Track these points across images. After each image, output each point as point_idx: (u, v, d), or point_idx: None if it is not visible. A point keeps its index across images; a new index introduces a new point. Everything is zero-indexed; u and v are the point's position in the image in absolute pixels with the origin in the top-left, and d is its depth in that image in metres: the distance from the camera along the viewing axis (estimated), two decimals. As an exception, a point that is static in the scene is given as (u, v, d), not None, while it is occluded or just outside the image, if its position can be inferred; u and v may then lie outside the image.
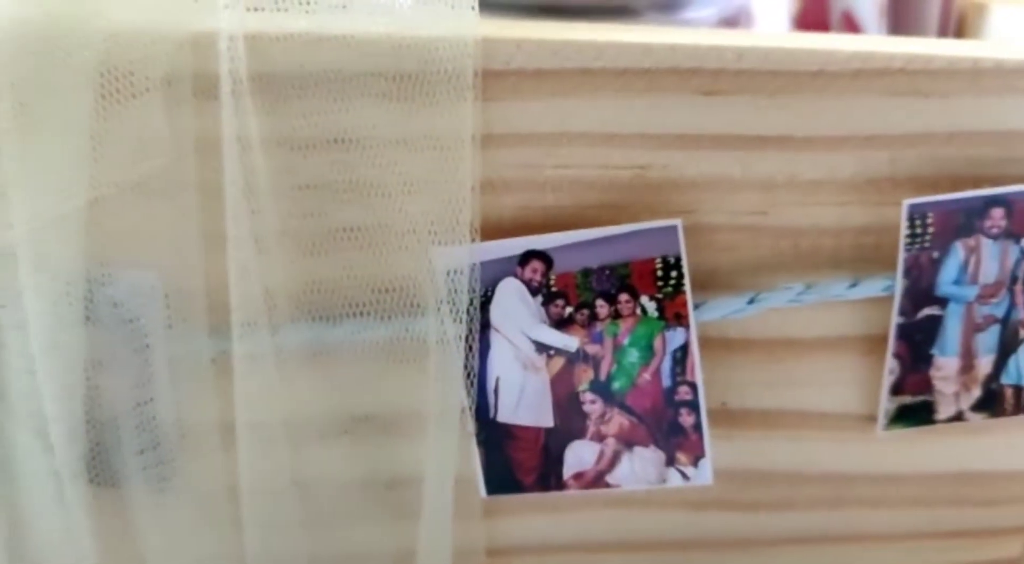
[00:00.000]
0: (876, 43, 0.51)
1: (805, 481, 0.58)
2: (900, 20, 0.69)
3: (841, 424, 0.57)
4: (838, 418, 0.57)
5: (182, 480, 0.56)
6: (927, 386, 0.55)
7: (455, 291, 0.51)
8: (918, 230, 0.52)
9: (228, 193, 0.50)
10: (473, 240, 0.51)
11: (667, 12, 0.71)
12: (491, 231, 0.51)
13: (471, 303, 0.51)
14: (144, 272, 0.53)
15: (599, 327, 0.52)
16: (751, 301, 0.52)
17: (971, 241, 0.52)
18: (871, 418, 0.56)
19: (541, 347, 0.52)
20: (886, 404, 0.55)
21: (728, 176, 0.52)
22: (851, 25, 0.75)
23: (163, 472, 0.56)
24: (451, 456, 0.54)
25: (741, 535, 0.59)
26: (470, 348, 0.52)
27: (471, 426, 0.54)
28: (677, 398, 0.53)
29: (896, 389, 0.55)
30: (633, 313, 0.52)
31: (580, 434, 0.54)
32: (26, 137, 0.49)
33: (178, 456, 0.55)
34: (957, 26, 0.70)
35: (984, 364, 0.55)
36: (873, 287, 0.53)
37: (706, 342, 0.53)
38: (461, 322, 0.52)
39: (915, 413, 0.56)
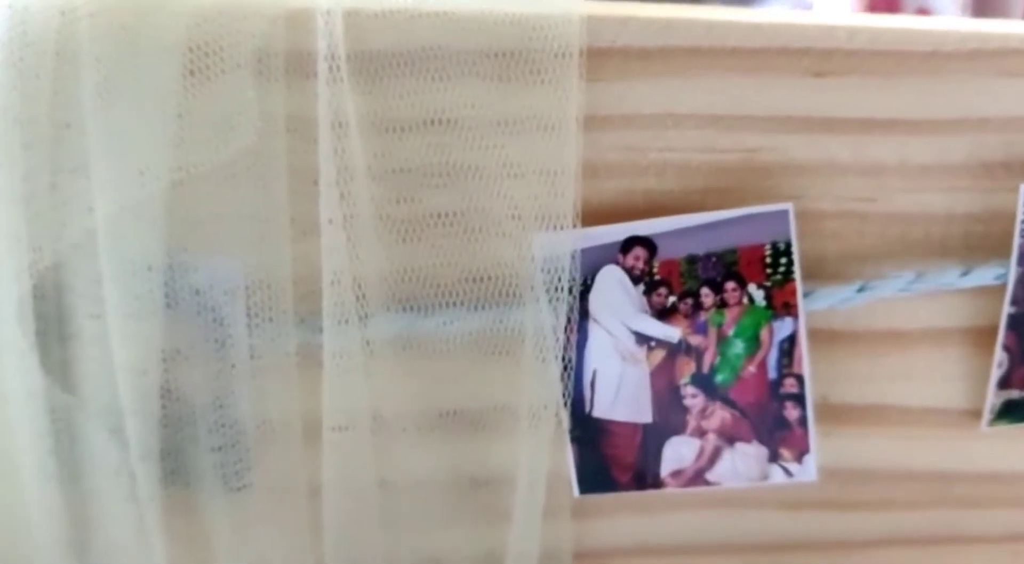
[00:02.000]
0: (991, 24, 0.50)
1: (906, 479, 0.56)
2: (985, 10, 0.68)
3: (944, 420, 0.55)
4: (941, 414, 0.55)
5: (259, 480, 0.54)
6: (1036, 380, 0.53)
7: (555, 279, 0.50)
8: (1034, 216, 0.50)
9: (322, 176, 0.48)
10: (574, 226, 0.49)
11: (743, 3, 0.70)
12: (591, 217, 0.50)
13: (571, 292, 0.49)
14: (227, 259, 0.51)
15: (703, 317, 0.50)
16: (860, 289, 0.51)
17: (1087, 228, 0.51)
18: (975, 414, 0.55)
19: (642, 338, 0.51)
20: (992, 399, 0.54)
21: (837, 161, 0.51)
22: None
23: (240, 470, 0.54)
24: (544, 454, 0.52)
25: (839, 536, 0.57)
26: (568, 340, 0.50)
27: (566, 422, 0.52)
28: (783, 391, 0.51)
29: (1004, 383, 0.53)
30: (740, 302, 0.50)
31: (680, 430, 0.52)
32: (110, 114, 0.47)
33: (256, 454, 0.53)
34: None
35: (1095, 357, 0.53)
36: (985, 275, 0.51)
37: (809, 334, 0.51)
38: (560, 312, 0.50)
39: (1022, 408, 0.54)
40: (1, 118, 0.47)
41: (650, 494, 0.54)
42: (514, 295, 0.51)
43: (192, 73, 0.47)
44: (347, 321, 0.50)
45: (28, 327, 0.50)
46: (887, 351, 0.54)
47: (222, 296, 0.51)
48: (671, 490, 0.53)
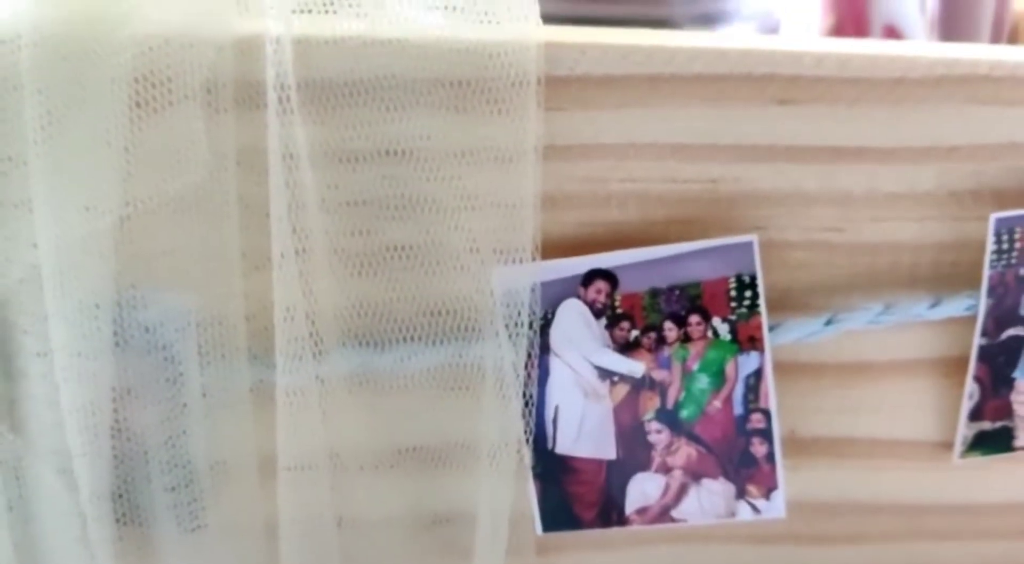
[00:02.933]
0: (959, 50, 0.49)
1: (876, 512, 0.56)
2: (952, 31, 0.67)
3: (915, 452, 0.55)
4: (912, 446, 0.54)
5: (215, 519, 0.53)
6: (1007, 411, 0.53)
7: (515, 313, 0.49)
8: (1004, 246, 0.49)
9: (273, 210, 0.47)
10: (534, 259, 0.48)
11: (706, 26, 0.69)
12: (551, 249, 0.49)
13: (531, 326, 0.48)
14: (177, 295, 0.50)
15: (667, 351, 0.49)
16: (828, 322, 0.50)
17: (1057, 258, 0.50)
18: (947, 445, 0.54)
19: (604, 373, 0.50)
20: (964, 430, 0.53)
21: (803, 190, 0.50)
22: (895, 38, 0.73)
23: (194, 511, 0.53)
24: (507, 491, 0.51)
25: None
26: (529, 375, 0.49)
27: (528, 458, 0.51)
28: (749, 426, 0.50)
29: (975, 415, 0.53)
30: (704, 336, 0.49)
31: (644, 466, 0.51)
32: (55, 148, 0.46)
33: (211, 493, 0.52)
34: (1011, 36, 0.68)
35: (1067, 388, 0.52)
36: (955, 307, 0.50)
37: (775, 367, 0.51)
38: (520, 347, 0.49)
39: (994, 440, 0.53)
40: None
41: (615, 530, 0.53)
42: (473, 330, 0.50)
43: (139, 105, 0.46)
44: (301, 357, 0.49)
45: (-30, 366, 0.49)
46: (856, 383, 0.53)
47: (173, 333, 0.50)
48: (636, 527, 0.52)
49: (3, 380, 0.50)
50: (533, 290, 0.49)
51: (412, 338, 0.50)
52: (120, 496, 0.52)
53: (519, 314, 0.49)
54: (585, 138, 0.48)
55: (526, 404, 0.50)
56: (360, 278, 0.49)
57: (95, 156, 0.46)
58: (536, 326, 0.49)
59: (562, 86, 0.47)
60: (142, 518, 0.52)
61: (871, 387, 0.53)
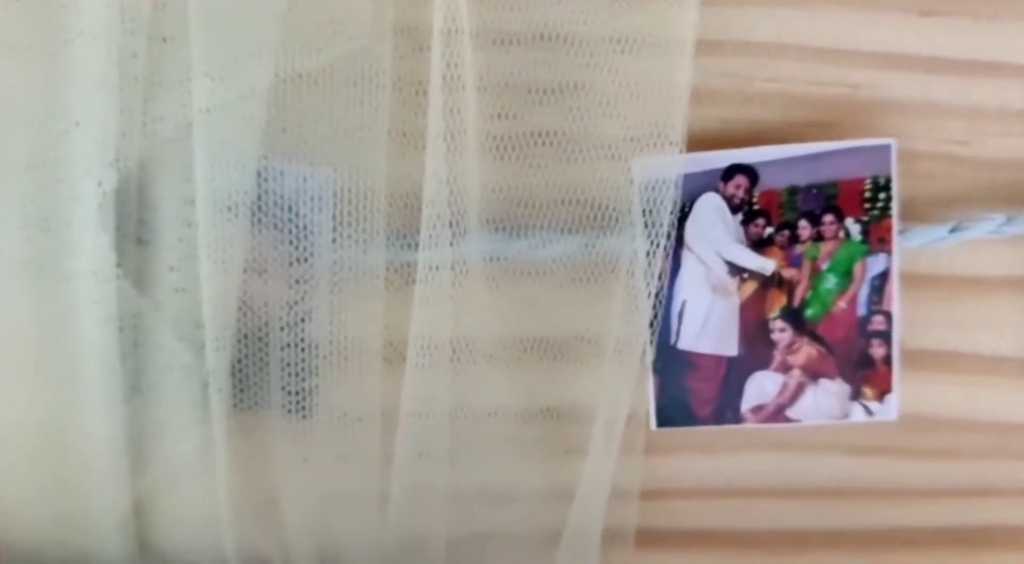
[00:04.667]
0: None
1: (974, 429, 0.58)
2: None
3: (1017, 370, 0.57)
4: (1016, 364, 0.56)
5: (331, 404, 0.53)
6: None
7: (655, 204, 0.50)
8: (1125, 166, 0.52)
9: (432, 86, 0.48)
10: (681, 151, 0.49)
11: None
12: (691, 143, 0.51)
13: (670, 219, 0.50)
14: (317, 168, 0.50)
15: (798, 250, 0.51)
16: (953, 230, 0.52)
17: None
18: (1048, 364, 0.56)
19: (735, 269, 0.52)
20: (1066, 350, 0.56)
21: (935, 101, 0.52)
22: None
23: (309, 394, 0.53)
24: (628, 387, 0.53)
25: (902, 485, 0.58)
26: (663, 268, 0.51)
27: (650, 354, 0.52)
28: (870, 328, 0.52)
29: (1078, 334, 0.55)
30: (836, 236, 0.51)
31: (764, 364, 0.53)
32: (214, 6, 0.46)
33: (329, 377, 0.52)
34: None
35: None
36: (1073, 224, 0.53)
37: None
38: (657, 239, 0.50)
39: (1091, 361, 0.56)
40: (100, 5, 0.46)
41: (718, 432, 0.54)
42: (609, 220, 0.51)
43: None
44: (441, 239, 0.50)
45: (108, 225, 0.49)
46: (967, 297, 0.56)
47: (308, 205, 0.51)
48: (740, 428, 0.54)
49: (133, 242, 0.51)
50: (676, 182, 0.50)
51: (547, 226, 0.52)
52: (235, 375, 0.52)
53: (659, 205, 0.50)
54: (735, 34, 0.50)
55: (656, 298, 0.52)
56: (502, 162, 0.51)
57: (253, 17, 0.47)
58: (674, 219, 0.51)
59: (718, -19, 0.49)
60: (255, 399, 0.53)
61: (982, 302, 0.56)
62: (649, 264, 0.51)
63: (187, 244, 0.50)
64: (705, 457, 0.57)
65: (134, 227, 0.51)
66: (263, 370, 0.53)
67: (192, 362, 0.52)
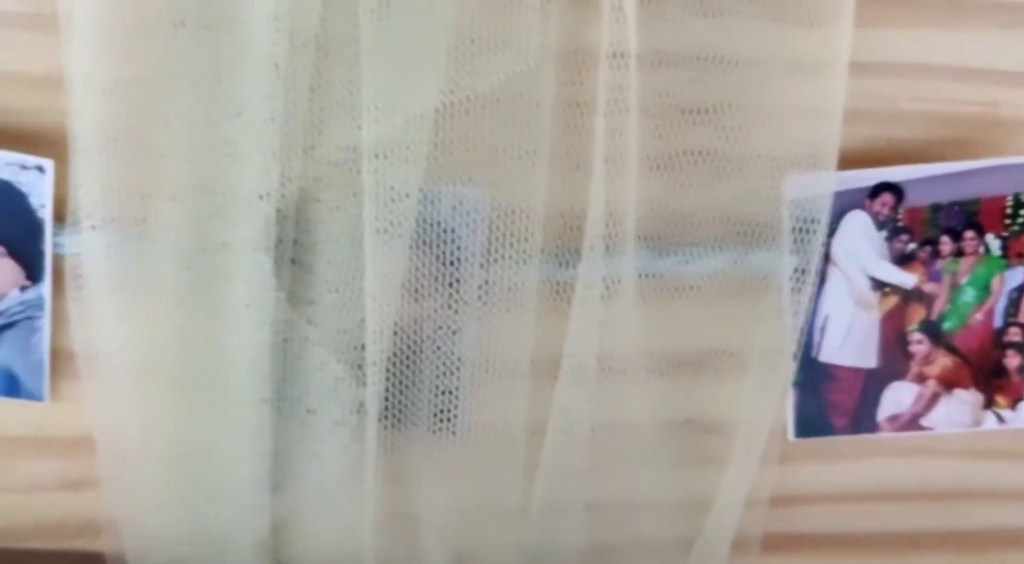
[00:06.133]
0: None
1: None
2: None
3: None
4: None
5: (477, 419, 0.54)
6: None
7: (807, 222, 0.52)
8: None
9: (600, 108, 0.49)
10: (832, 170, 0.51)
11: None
12: (836, 161, 0.52)
13: (819, 236, 0.52)
14: (474, 189, 0.51)
15: (939, 265, 0.54)
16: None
17: None
18: None
19: (877, 284, 0.54)
20: None
21: (1075, 120, 0.54)
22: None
23: (455, 410, 0.54)
24: (772, 400, 0.55)
25: (1013, 487, 0.61)
26: (810, 284, 0.53)
27: (793, 367, 0.54)
28: (1005, 339, 0.55)
29: None
30: (976, 251, 0.54)
31: (901, 375, 0.55)
32: (386, 27, 0.47)
33: (476, 394, 0.54)
34: None
35: None
36: None
37: (1019, 286, 0.55)
38: (807, 255, 0.52)
39: None
40: (269, 26, 0.47)
41: (845, 440, 0.57)
42: (759, 236, 0.53)
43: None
44: (600, 257, 0.51)
45: (269, 247, 0.50)
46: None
47: (463, 226, 0.52)
48: (864, 438, 0.56)
49: (288, 263, 0.51)
50: (827, 200, 0.52)
51: (697, 243, 0.53)
52: (386, 392, 0.53)
53: (811, 223, 0.52)
54: (881, 56, 0.52)
55: (803, 313, 0.53)
56: (655, 180, 0.52)
57: (425, 40, 0.48)
58: (823, 236, 0.52)
59: (866, 4, 0.51)
60: (402, 416, 0.54)
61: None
62: (798, 280, 0.53)
63: (347, 266, 0.51)
64: (828, 464, 0.60)
65: (289, 248, 0.51)
66: (411, 388, 0.54)
67: (347, 381, 0.53)
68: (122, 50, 0.49)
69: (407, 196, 0.50)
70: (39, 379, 0.55)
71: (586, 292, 0.52)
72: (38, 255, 0.53)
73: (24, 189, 0.51)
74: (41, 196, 0.51)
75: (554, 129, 0.51)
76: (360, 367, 0.53)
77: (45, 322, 0.54)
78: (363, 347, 0.52)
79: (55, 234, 0.52)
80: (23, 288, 0.53)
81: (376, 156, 0.49)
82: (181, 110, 0.49)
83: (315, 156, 0.50)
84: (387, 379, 0.53)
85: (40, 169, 0.51)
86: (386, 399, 0.54)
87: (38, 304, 0.54)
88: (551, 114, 0.50)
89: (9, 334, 0.54)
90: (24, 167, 0.51)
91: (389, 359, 0.53)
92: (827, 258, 0.54)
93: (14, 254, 0.53)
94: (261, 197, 0.49)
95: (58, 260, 0.53)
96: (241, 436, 0.54)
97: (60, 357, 0.55)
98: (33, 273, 0.53)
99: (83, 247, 0.52)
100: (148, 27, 0.49)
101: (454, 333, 0.54)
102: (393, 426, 0.54)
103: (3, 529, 0.60)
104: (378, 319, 0.51)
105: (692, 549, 0.58)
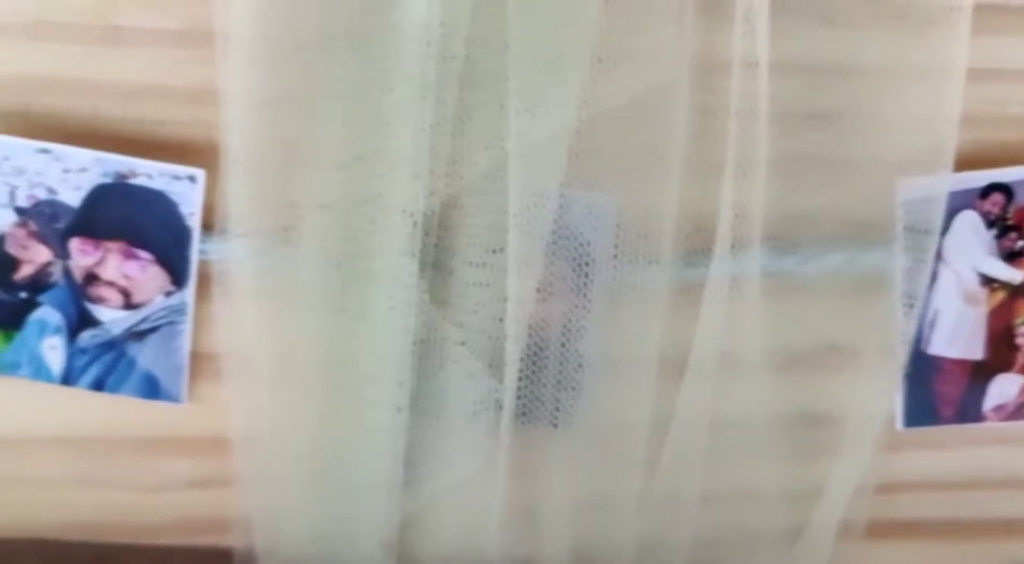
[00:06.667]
0: None
1: None
2: None
3: None
4: None
5: (599, 417, 0.57)
6: None
7: (919, 222, 0.54)
8: None
9: (733, 116, 0.52)
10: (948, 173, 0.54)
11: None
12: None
13: (932, 235, 0.55)
14: (602, 195, 0.54)
15: (1046, 261, 0.56)
16: None
17: None
18: None
19: (986, 280, 0.56)
20: None
21: None
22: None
23: (578, 406, 0.57)
24: (884, 393, 0.57)
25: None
26: (922, 282, 0.55)
27: (903, 360, 0.57)
28: (1106, 331, 0.58)
29: None
30: (1081, 247, 0.56)
31: (1007, 367, 0.58)
32: (532, 39, 0.50)
33: (600, 390, 0.56)
34: None
35: None
36: None
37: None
38: (919, 254, 0.55)
39: None
40: (418, 41, 0.49)
41: (949, 429, 0.59)
42: (874, 236, 0.56)
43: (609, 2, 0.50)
44: (727, 258, 0.54)
45: (415, 252, 0.52)
46: None
47: (592, 230, 0.54)
48: (969, 427, 0.59)
49: (429, 266, 0.54)
50: (941, 201, 0.55)
51: (814, 243, 0.56)
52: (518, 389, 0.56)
53: (924, 223, 0.55)
54: (993, 62, 0.55)
55: (915, 309, 0.56)
56: (776, 183, 0.55)
57: (564, 56, 0.51)
58: (937, 235, 0.55)
59: (981, 13, 0.53)
60: (531, 412, 0.56)
61: None
62: (911, 278, 0.56)
63: (487, 269, 0.54)
64: (934, 452, 0.63)
65: (430, 252, 0.54)
66: (538, 385, 0.56)
67: (483, 379, 0.55)
68: (275, 65, 0.51)
69: (546, 202, 0.53)
70: (178, 381, 0.58)
71: (716, 291, 0.55)
72: (184, 262, 0.55)
73: (175, 198, 0.54)
74: (191, 205, 0.54)
75: (684, 135, 0.54)
76: (495, 366, 0.56)
77: (187, 326, 0.56)
78: (499, 346, 0.55)
79: (201, 241, 0.55)
80: (168, 293, 0.56)
81: (520, 164, 0.51)
82: (331, 122, 0.52)
83: (459, 164, 0.52)
84: (519, 377, 0.56)
85: (192, 179, 0.53)
86: (518, 396, 0.56)
87: (181, 309, 0.56)
88: (684, 122, 0.53)
89: (152, 338, 0.57)
90: (176, 177, 0.53)
91: (520, 357, 0.56)
92: (938, 256, 0.57)
93: (161, 261, 0.55)
94: (408, 206, 0.52)
95: (201, 266, 0.56)
96: (377, 437, 0.56)
97: (197, 360, 0.58)
98: (178, 279, 0.55)
99: (231, 253, 0.54)
100: (300, 44, 0.51)
101: (581, 332, 0.56)
102: (520, 422, 0.57)
103: (136, 526, 0.62)
104: (516, 319, 0.54)
105: (800, 537, 0.61)
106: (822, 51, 0.53)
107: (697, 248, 0.55)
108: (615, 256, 0.55)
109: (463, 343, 0.55)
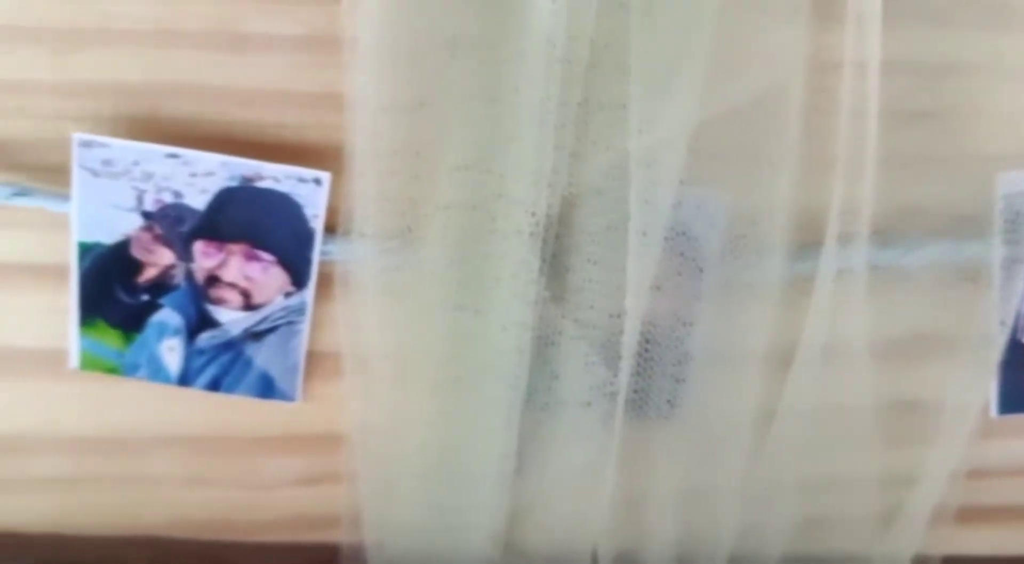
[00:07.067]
0: None
1: None
2: None
3: None
4: None
5: (705, 408, 0.59)
6: None
7: (1017, 215, 0.57)
8: None
9: (843, 115, 0.54)
10: (1045, 165, 0.56)
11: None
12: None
13: (1027, 227, 0.57)
14: (713, 193, 0.56)
15: None
16: None
17: None
18: None
19: (1081, 269, 0.58)
20: None
21: None
22: None
23: (687, 400, 0.59)
24: (981, 382, 0.59)
25: None
26: (1019, 272, 0.58)
27: (1000, 350, 0.59)
28: None
29: None
30: None
31: (1101, 354, 0.60)
32: (653, 42, 0.51)
33: (707, 382, 0.58)
34: None
35: None
36: None
37: None
38: (1017, 245, 0.57)
39: None
40: (542, 47, 0.51)
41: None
42: (973, 228, 0.57)
43: (727, 4, 0.52)
44: (835, 252, 0.56)
45: (536, 251, 0.54)
46: None
47: (703, 227, 0.56)
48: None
49: (548, 262, 0.55)
50: (1036, 193, 0.57)
51: (915, 235, 0.58)
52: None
53: (1021, 215, 0.57)
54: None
55: (1010, 299, 0.58)
56: (880, 178, 0.56)
57: (686, 56, 0.52)
58: (1033, 226, 0.57)
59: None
60: (638, 402, 0.58)
61: None
62: (1008, 268, 0.58)
63: (605, 266, 0.55)
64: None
65: (550, 249, 0.55)
66: (647, 377, 0.58)
67: (599, 372, 0.57)
68: (401, 70, 0.53)
69: (664, 200, 0.54)
70: (293, 380, 0.59)
71: (824, 284, 0.56)
72: (305, 263, 0.57)
73: (300, 200, 0.55)
74: (315, 207, 0.55)
75: (796, 134, 0.55)
76: (610, 359, 0.57)
77: (305, 326, 0.58)
78: (614, 341, 0.57)
79: (322, 242, 0.56)
80: (287, 294, 0.57)
81: (640, 164, 0.53)
82: (456, 125, 0.54)
83: (580, 164, 0.54)
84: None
85: (317, 181, 0.55)
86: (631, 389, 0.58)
87: (300, 309, 0.57)
88: (796, 122, 0.55)
89: (270, 338, 0.58)
90: (302, 180, 0.55)
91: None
92: (1034, 247, 0.59)
93: (283, 262, 0.56)
94: (530, 206, 0.53)
95: (321, 267, 0.57)
96: (494, 434, 0.58)
97: (309, 358, 0.59)
98: (298, 280, 0.57)
99: (353, 254, 0.56)
100: (426, 50, 0.53)
101: (690, 326, 0.58)
102: (629, 414, 0.59)
103: (243, 523, 0.64)
104: (634, 314, 0.55)
105: (894, 522, 0.63)
106: (926, 50, 0.55)
107: (804, 242, 0.57)
108: (725, 251, 0.57)
109: (580, 337, 0.56)
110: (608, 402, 0.58)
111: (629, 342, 0.56)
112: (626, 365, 0.56)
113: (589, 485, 0.60)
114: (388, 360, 0.58)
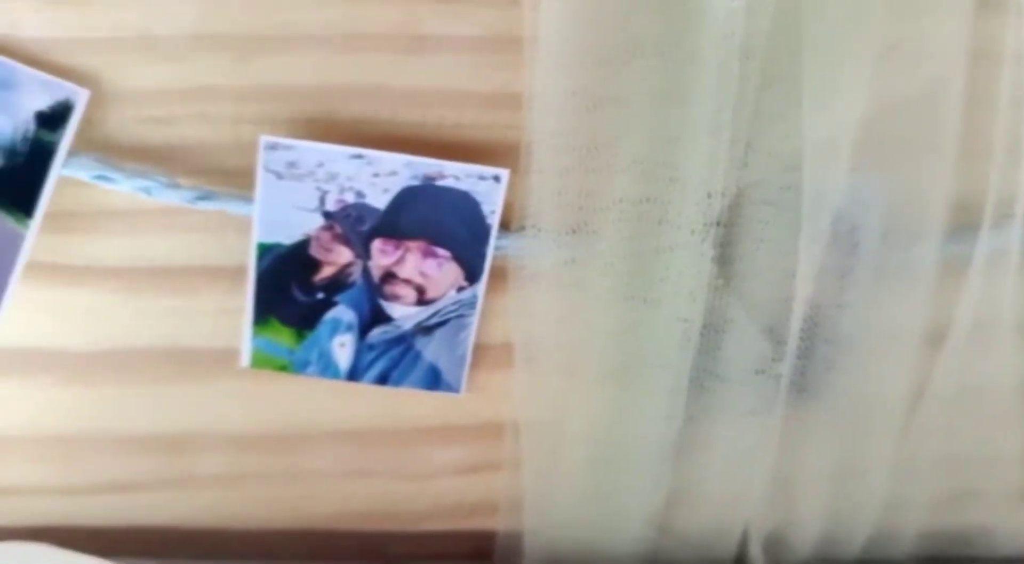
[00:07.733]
0: None
1: None
2: None
3: None
4: None
5: (857, 389, 0.61)
6: None
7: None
8: None
9: (1002, 101, 0.56)
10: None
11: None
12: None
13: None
14: (869, 178, 0.58)
15: None
16: None
17: None
18: None
19: None
20: None
21: None
22: None
23: (841, 381, 0.61)
24: None
25: None
26: None
27: None
28: None
29: None
30: None
31: None
32: (824, 37, 0.54)
33: (862, 364, 0.60)
34: None
35: None
36: None
37: None
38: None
39: None
40: (720, 47, 0.53)
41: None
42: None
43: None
44: (990, 235, 0.58)
45: (708, 239, 0.56)
46: None
47: (859, 212, 0.58)
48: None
49: (725, 253, 0.58)
50: None
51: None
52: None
53: None
54: None
55: None
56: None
57: (856, 49, 0.55)
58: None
59: None
60: (797, 384, 0.60)
61: None
62: None
63: (772, 252, 0.58)
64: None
65: (720, 238, 0.58)
66: (808, 360, 0.60)
67: (763, 355, 0.59)
68: (583, 70, 0.55)
69: (835, 188, 0.56)
70: (459, 372, 0.61)
71: (980, 266, 0.59)
72: (480, 258, 0.58)
73: (479, 197, 0.57)
74: (493, 203, 0.57)
75: (957, 122, 0.58)
76: (774, 343, 0.60)
77: (475, 319, 0.60)
78: (779, 325, 0.59)
79: (497, 238, 0.58)
80: (460, 289, 0.59)
81: (812, 154, 0.55)
82: (634, 123, 0.55)
83: (754, 156, 0.56)
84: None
85: (496, 179, 0.57)
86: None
87: (471, 303, 0.59)
88: (959, 110, 0.57)
89: (440, 331, 0.60)
90: (482, 177, 0.57)
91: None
92: None
93: (458, 258, 0.58)
94: (704, 198, 0.56)
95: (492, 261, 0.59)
96: (658, 422, 0.61)
97: (475, 350, 0.61)
98: (471, 274, 0.59)
99: (527, 249, 0.58)
100: (608, 50, 0.55)
101: (848, 309, 0.60)
102: (789, 396, 0.61)
103: (403, 513, 0.66)
104: (802, 298, 0.58)
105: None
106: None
107: (959, 226, 0.59)
108: (883, 237, 0.59)
109: (746, 322, 0.59)
110: (771, 384, 0.60)
111: (795, 326, 0.58)
112: (791, 349, 0.59)
113: (747, 466, 0.62)
114: (558, 350, 0.60)
